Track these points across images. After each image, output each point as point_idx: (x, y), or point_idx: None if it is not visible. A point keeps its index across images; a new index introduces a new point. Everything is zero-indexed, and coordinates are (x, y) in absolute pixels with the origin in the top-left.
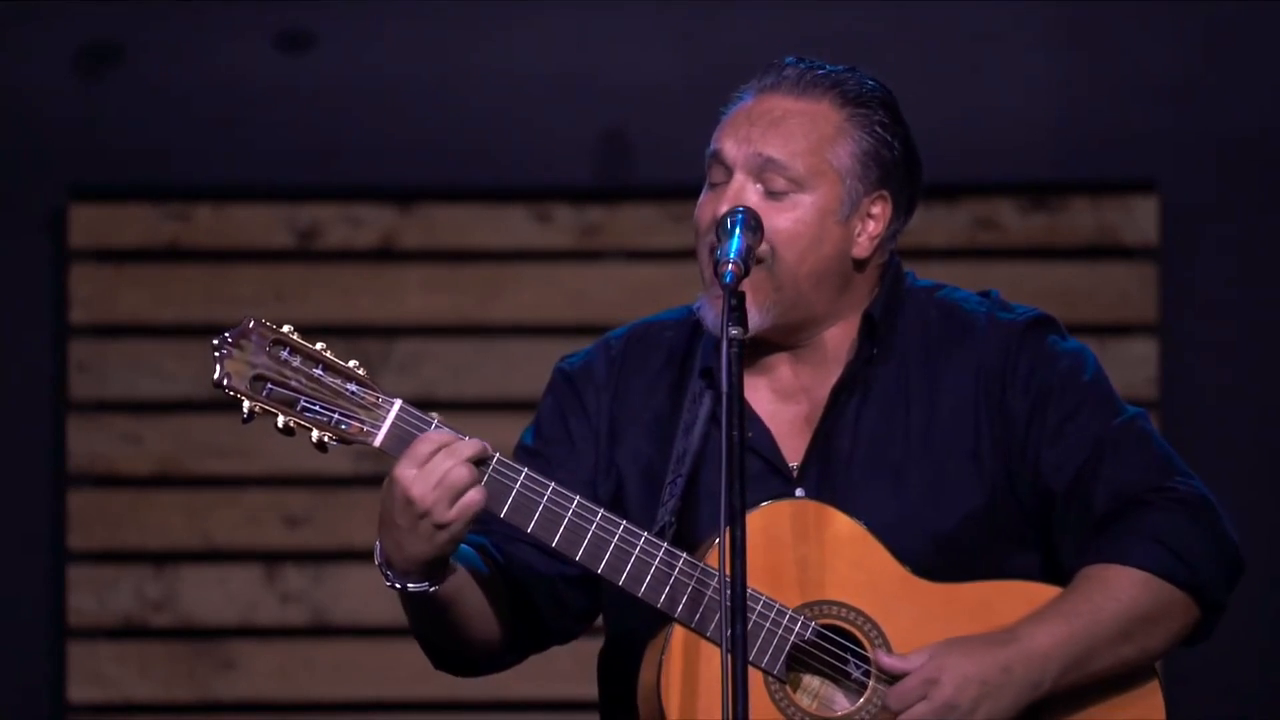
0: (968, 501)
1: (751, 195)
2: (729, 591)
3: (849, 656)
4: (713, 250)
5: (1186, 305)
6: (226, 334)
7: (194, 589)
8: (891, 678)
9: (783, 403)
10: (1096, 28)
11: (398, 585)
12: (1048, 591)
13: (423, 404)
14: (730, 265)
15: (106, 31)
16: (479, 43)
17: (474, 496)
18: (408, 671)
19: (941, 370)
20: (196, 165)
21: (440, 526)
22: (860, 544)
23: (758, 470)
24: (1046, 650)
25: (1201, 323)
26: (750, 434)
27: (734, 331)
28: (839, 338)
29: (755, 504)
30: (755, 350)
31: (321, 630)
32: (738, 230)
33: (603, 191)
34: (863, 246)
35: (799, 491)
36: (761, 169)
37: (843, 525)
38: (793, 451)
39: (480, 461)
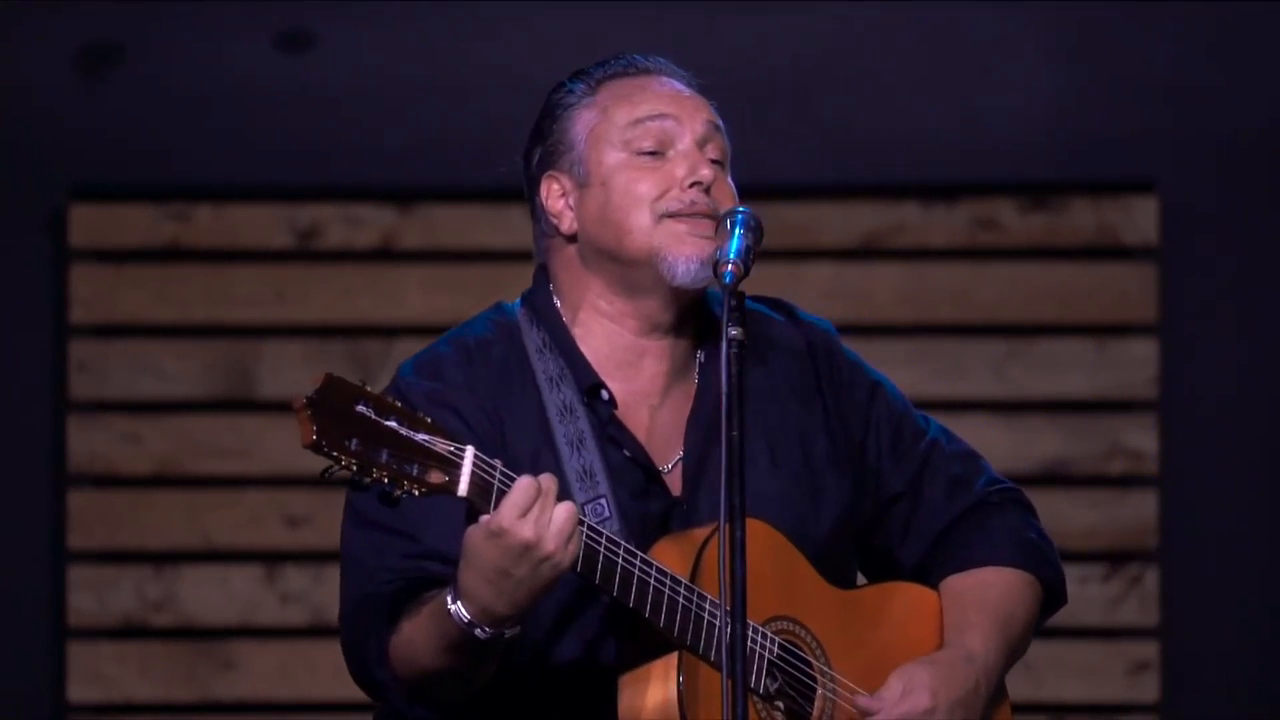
0: (836, 505)
1: (707, 163)
2: (730, 593)
3: (789, 670)
4: (674, 216)
5: (1186, 305)
6: (311, 394)
7: (194, 589)
8: (862, 713)
9: (651, 406)
10: (1096, 28)
11: (491, 635)
12: (920, 591)
13: None
14: (730, 265)
15: (107, 31)
16: (479, 43)
17: (580, 531)
18: None
19: (773, 373)
20: (196, 165)
21: (558, 567)
22: (790, 556)
23: (640, 483)
24: (995, 662)
25: (1201, 323)
26: (627, 452)
27: (734, 332)
28: (687, 333)
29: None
30: (620, 346)
31: (321, 630)
32: (738, 230)
33: None
34: None
35: (684, 507)
36: (708, 137)
37: (776, 540)
38: (662, 456)
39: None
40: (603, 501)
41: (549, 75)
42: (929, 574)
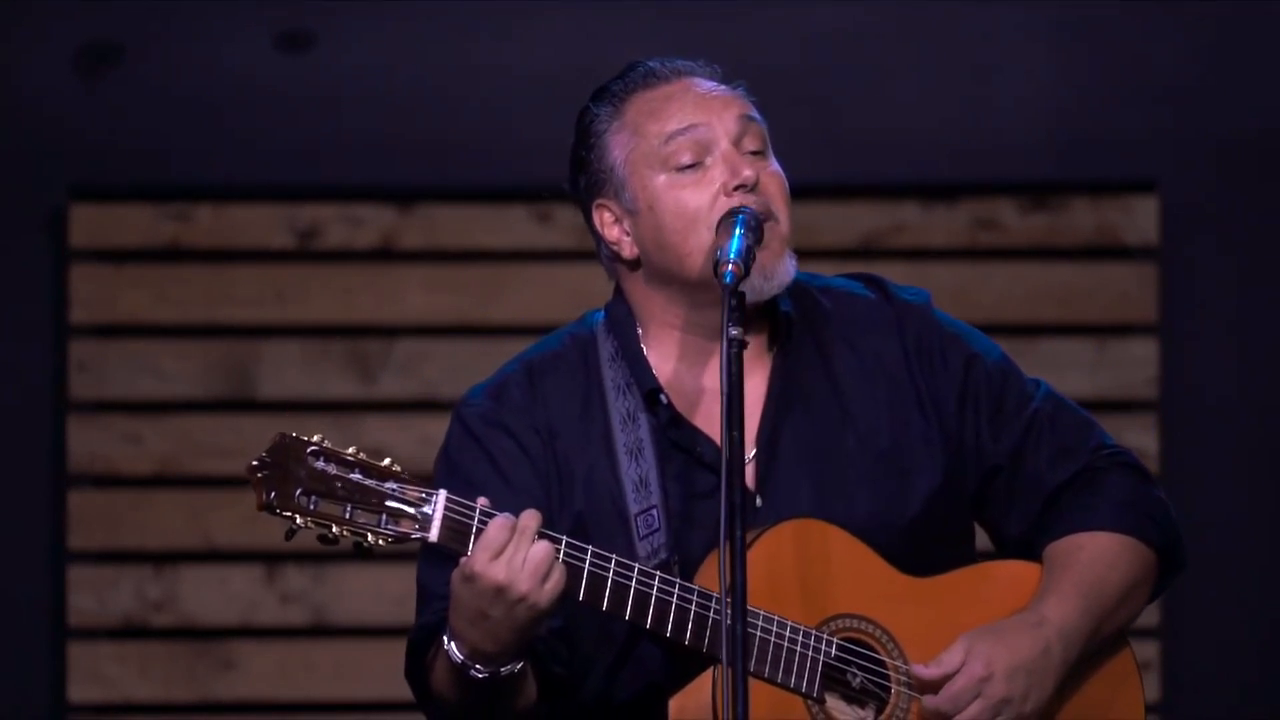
0: (928, 485)
1: (748, 160)
2: (732, 597)
3: (852, 669)
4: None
5: (1186, 305)
6: (262, 456)
7: (194, 589)
8: (922, 684)
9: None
10: (1097, 28)
11: (488, 674)
12: (1023, 568)
13: (423, 404)
14: (730, 265)
15: (106, 31)
16: (479, 43)
17: (560, 568)
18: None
19: (863, 355)
20: (196, 165)
21: (535, 607)
22: (853, 551)
23: (710, 484)
24: (1075, 626)
25: (1201, 323)
26: (699, 450)
27: (734, 332)
28: (757, 328)
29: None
30: (691, 349)
31: (321, 630)
32: (738, 230)
33: None
34: None
35: (758, 501)
36: (743, 132)
37: (835, 536)
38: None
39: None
40: (654, 512)
41: (550, 75)
42: (1034, 545)
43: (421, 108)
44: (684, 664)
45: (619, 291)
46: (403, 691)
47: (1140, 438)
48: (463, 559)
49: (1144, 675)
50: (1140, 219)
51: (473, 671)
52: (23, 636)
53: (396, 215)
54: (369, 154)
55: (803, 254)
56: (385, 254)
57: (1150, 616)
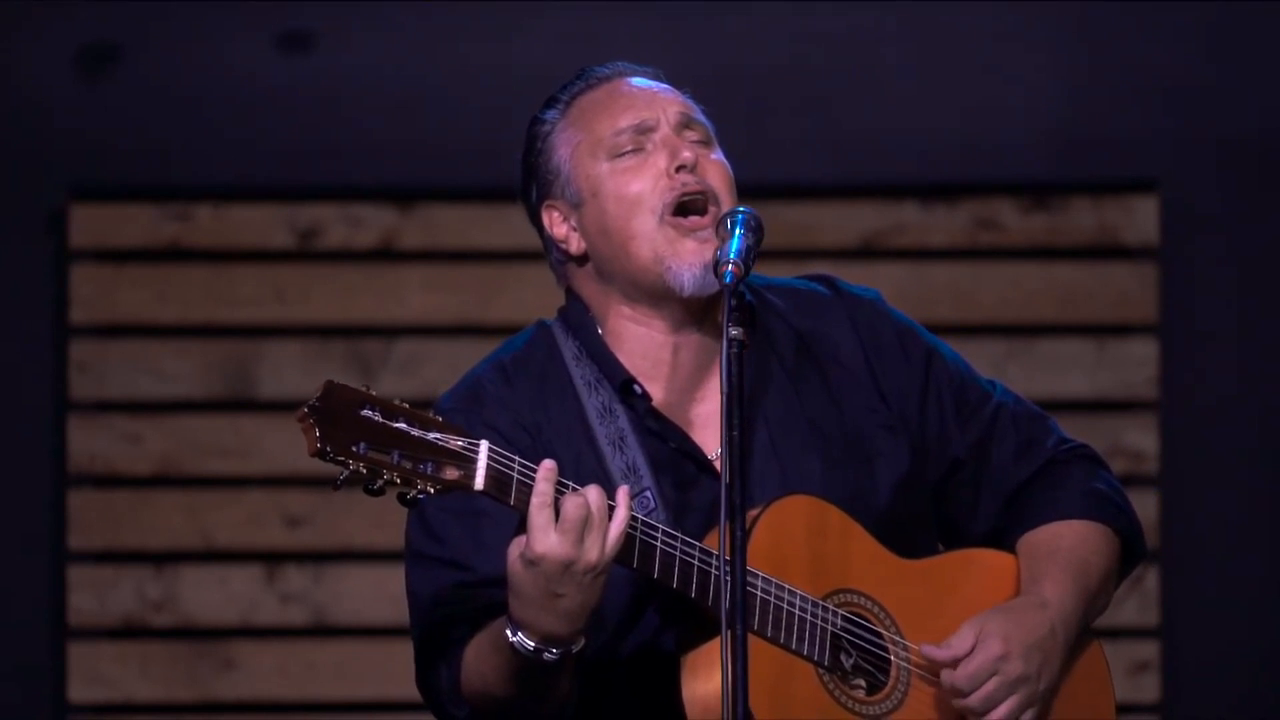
0: (894, 473)
1: (688, 145)
2: (730, 586)
3: (850, 643)
4: (668, 214)
5: (1186, 305)
6: (311, 403)
7: (194, 589)
8: (930, 664)
9: (692, 398)
10: (1097, 28)
11: (560, 654)
12: (1000, 556)
13: (423, 404)
14: (730, 265)
15: (106, 31)
16: (479, 43)
17: (617, 524)
18: (407, 671)
19: (819, 347)
20: (196, 165)
21: (599, 572)
22: (850, 530)
23: (689, 473)
24: (1071, 610)
25: (1201, 323)
26: (672, 444)
27: (734, 332)
28: (712, 319)
29: (710, 513)
30: (665, 348)
31: (321, 630)
32: (738, 230)
33: None
34: None
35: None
36: (684, 124)
37: (833, 514)
38: (710, 445)
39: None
40: (648, 494)
41: (549, 75)
42: (1003, 538)
43: (421, 108)
44: (684, 628)
45: (570, 294)
46: (402, 691)
47: (1140, 438)
48: (518, 548)
49: (1144, 675)
50: (1140, 219)
51: (546, 655)
52: (23, 636)
53: (396, 215)
54: (369, 154)
55: (803, 254)
56: (385, 254)
57: (1150, 616)
